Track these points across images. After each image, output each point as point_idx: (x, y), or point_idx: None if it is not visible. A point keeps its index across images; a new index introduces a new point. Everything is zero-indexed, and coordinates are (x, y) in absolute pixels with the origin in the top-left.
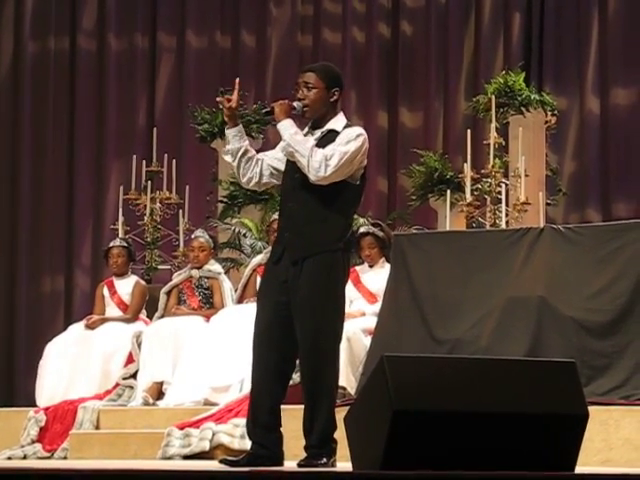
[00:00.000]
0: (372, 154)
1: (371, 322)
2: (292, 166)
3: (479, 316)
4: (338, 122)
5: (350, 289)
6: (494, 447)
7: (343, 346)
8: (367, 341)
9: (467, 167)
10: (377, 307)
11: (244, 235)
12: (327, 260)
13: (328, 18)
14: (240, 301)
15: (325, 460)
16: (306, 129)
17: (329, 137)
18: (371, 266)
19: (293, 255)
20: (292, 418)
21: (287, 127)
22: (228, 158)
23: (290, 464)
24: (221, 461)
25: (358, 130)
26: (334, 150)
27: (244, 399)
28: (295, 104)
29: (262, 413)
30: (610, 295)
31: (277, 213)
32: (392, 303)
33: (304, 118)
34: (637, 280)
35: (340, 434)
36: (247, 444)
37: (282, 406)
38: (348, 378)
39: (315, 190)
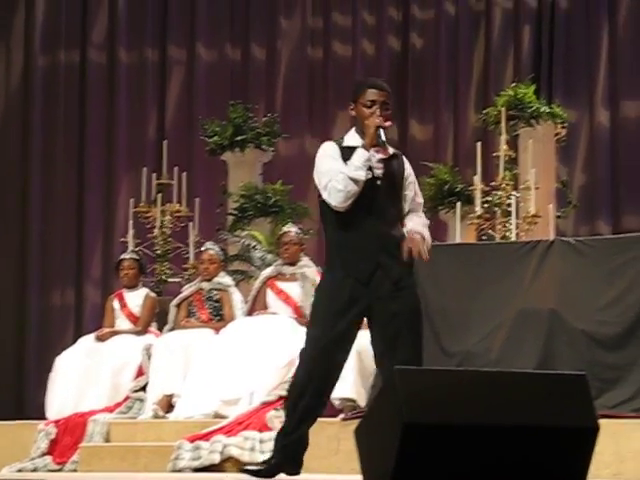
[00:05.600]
0: None
1: None
2: (371, 185)
3: (489, 329)
4: None
5: None
6: (504, 460)
7: (353, 358)
8: None
9: (477, 179)
10: None
11: (254, 247)
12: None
13: (338, 31)
14: (250, 313)
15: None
16: (360, 145)
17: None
18: None
19: (392, 276)
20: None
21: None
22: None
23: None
24: (242, 471)
25: None
26: None
27: (254, 412)
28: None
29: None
30: (621, 307)
31: (287, 226)
32: None
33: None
34: None
35: (350, 447)
36: (257, 457)
37: None
38: (358, 390)
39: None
